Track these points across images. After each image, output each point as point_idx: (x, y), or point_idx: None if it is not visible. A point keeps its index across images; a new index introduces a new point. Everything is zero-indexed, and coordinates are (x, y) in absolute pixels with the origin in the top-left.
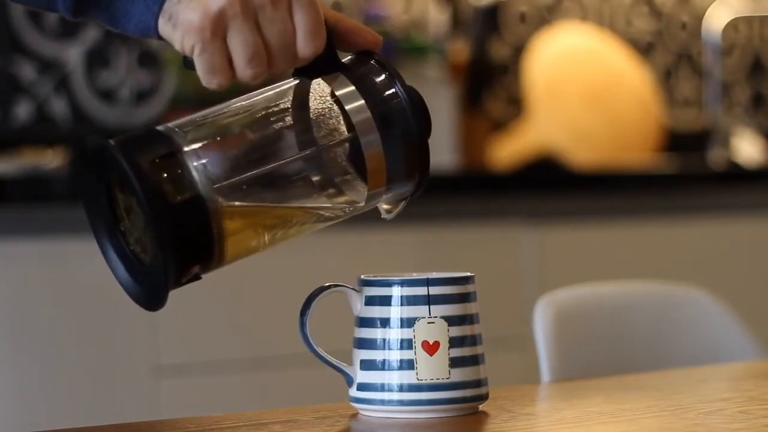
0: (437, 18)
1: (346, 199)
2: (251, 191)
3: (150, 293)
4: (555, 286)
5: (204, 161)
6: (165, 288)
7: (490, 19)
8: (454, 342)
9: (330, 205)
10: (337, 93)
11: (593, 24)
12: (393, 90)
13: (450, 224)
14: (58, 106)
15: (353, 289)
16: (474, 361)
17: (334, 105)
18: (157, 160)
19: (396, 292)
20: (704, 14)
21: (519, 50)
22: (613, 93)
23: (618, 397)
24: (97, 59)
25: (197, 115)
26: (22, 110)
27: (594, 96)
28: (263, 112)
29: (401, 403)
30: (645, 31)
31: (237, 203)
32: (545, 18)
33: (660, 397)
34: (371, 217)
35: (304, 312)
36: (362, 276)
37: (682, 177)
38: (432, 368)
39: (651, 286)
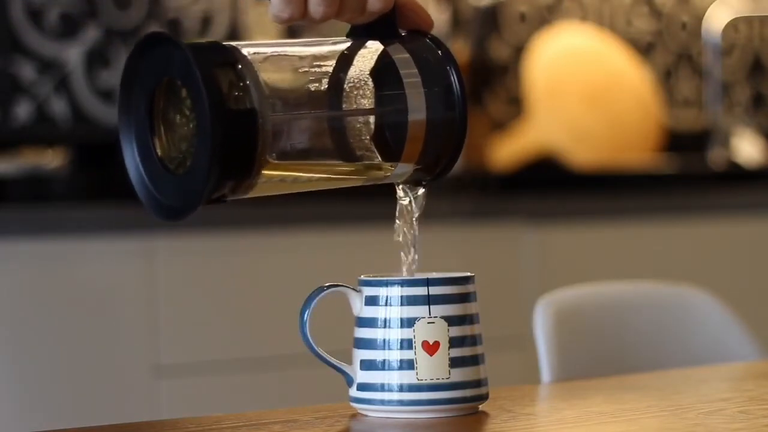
0: (437, 18)
1: (374, 165)
2: (296, 130)
3: (180, 202)
4: (555, 286)
5: (264, 84)
6: (200, 195)
7: (490, 19)
8: (454, 342)
9: (359, 166)
10: (394, 57)
11: (593, 24)
12: (446, 70)
13: (450, 224)
14: (58, 106)
15: (353, 289)
16: (474, 361)
17: (370, 80)
18: (221, 66)
19: (396, 292)
20: (704, 14)
21: (519, 50)
22: (613, 93)
23: (618, 397)
24: (97, 59)
25: (261, 42)
26: (22, 110)
27: (594, 96)
28: (321, 63)
29: (401, 403)
30: (645, 31)
31: (282, 135)
32: (545, 18)
33: (660, 397)
34: (371, 216)
35: (304, 312)
36: (362, 276)
37: (682, 177)
38: (432, 368)
39: (651, 286)
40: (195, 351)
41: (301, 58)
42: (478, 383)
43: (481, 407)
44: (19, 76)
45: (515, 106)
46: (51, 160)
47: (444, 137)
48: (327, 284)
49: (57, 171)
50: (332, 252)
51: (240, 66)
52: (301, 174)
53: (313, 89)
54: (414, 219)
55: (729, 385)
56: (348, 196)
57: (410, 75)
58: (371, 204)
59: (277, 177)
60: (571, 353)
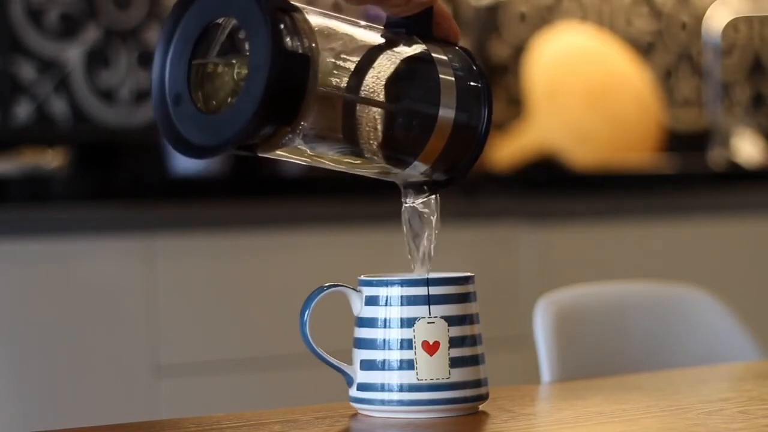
0: None
1: (394, 156)
2: (333, 104)
3: (213, 141)
4: (555, 286)
5: (317, 44)
6: (241, 131)
7: (490, 19)
8: (454, 342)
9: (377, 158)
10: (433, 55)
11: (593, 24)
12: (478, 82)
13: (450, 224)
14: (58, 106)
15: (353, 289)
16: (474, 361)
17: (405, 72)
18: (283, 12)
19: (396, 292)
20: (704, 14)
21: (519, 50)
22: (613, 93)
23: (618, 397)
24: (97, 59)
25: (313, 9)
26: (22, 110)
27: (594, 96)
28: (363, 47)
29: (401, 403)
30: (645, 31)
31: (321, 104)
32: (545, 18)
33: (660, 397)
34: (371, 217)
35: (304, 312)
36: (362, 276)
37: (682, 177)
38: (432, 368)
39: (651, 286)
40: (195, 351)
41: (349, 38)
42: (478, 383)
43: (481, 407)
44: (19, 76)
45: (515, 106)
46: (51, 160)
47: (464, 145)
48: (327, 284)
49: (57, 171)
50: (332, 252)
51: (300, 21)
52: (324, 148)
53: (353, 70)
54: (434, 222)
55: (729, 385)
56: (348, 196)
57: (447, 74)
58: (372, 204)
59: (301, 144)
60: (571, 353)
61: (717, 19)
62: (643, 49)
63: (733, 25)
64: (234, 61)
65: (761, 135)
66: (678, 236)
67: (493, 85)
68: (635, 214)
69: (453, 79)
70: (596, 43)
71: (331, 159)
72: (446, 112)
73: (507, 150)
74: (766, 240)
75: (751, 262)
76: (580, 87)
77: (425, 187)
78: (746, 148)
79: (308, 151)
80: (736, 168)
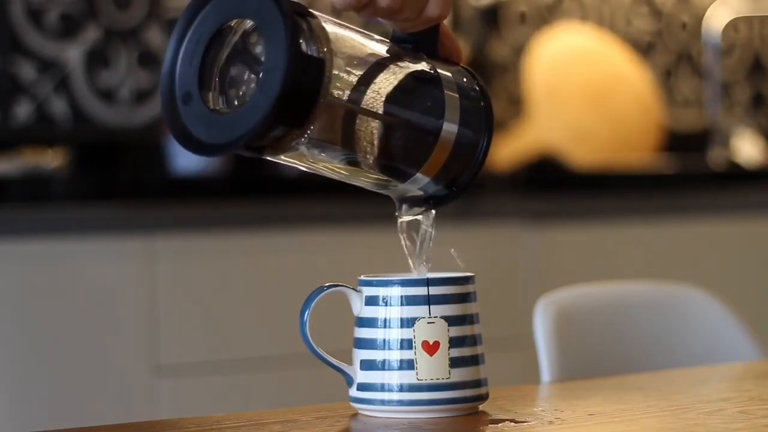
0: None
1: (396, 169)
2: (341, 112)
3: (222, 139)
4: (555, 286)
5: (332, 50)
6: (253, 130)
7: (490, 19)
8: (454, 342)
9: (379, 168)
10: (439, 71)
11: (593, 24)
12: (481, 101)
13: (450, 224)
14: (58, 106)
15: (353, 289)
16: (474, 361)
17: (411, 86)
18: (299, 15)
19: (396, 292)
20: (704, 14)
21: (519, 50)
22: (613, 93)
23: (618, 397)
24: (97, 59)
25: (326, 17)
26: (22, 110)
27: (594, 96)
28: (371, 58)
29: (401, 403)
30: (645, 31)
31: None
32: (545, 18)
33: (660, 397)
34: (371, 217)
35: (304, 312)
36: (362, 276)
37: (682, 177)
38: (432, 368)
39: (651, 286)
40: (195, 351)
41: (360, 49)
42: (478, 383)
43: (481, 407)
44: (19, 76)
45: (515, 106)
46: (51, 160)
47: (464, 161)
48: (327, 284)
49: (57, 171)
50: (332, 252)
51: (315, 26)
52: (328, 156)
53: (362, 81)
54: (429, 233)
55: (729, 385)
56: (348, 196)
57: (451, 91)
58: (371, 204)
59: (307, 151)
60: (571, 353)
61: (717, 19)
62: (643, 49)
63: (733, 25)
64: (247, 68)
65: (761, 135)
66: (678, 236)
67: (492, 85)
68: (635, 214)
69: (457, 95)
70: (596, 43)
71: (334, 167)
72: (449, 127)
73: (507, 150)
74: (766, 240)
75: (751, 262)
76: (580, 87)
77: (422, 203)
78: (746, 148)
79: (312, 158)
80: (736, 168)
